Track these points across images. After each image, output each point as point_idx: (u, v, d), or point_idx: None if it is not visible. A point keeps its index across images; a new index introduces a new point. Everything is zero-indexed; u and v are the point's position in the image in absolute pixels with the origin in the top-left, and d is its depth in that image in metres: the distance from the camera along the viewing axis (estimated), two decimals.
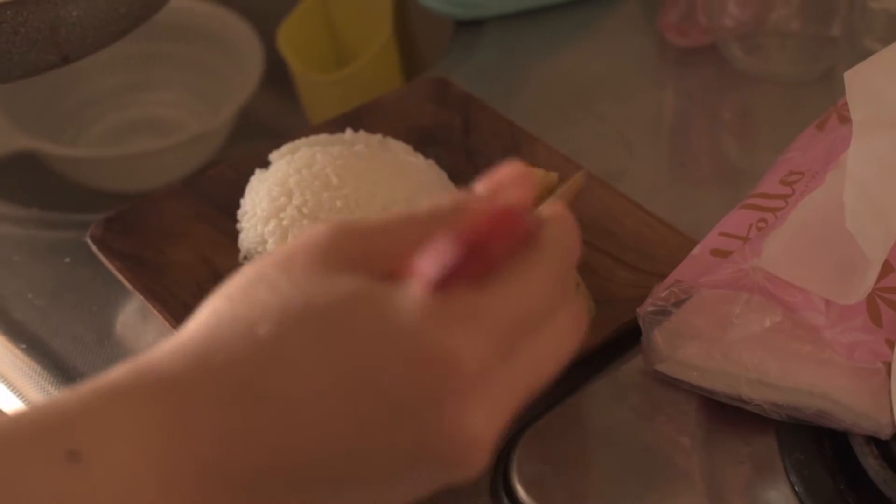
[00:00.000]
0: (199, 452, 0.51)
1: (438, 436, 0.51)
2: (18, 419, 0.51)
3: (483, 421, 0.51)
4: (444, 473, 0.52)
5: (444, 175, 1.00)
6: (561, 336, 0.55)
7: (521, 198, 0.58)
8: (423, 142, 1.04)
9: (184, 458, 0.51)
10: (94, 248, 0.96)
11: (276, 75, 1.36)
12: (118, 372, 0.52)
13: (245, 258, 0.96)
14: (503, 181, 0.58)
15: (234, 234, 0.98)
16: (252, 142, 1.35)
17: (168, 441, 0.51)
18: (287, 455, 0.51)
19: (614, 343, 0.88)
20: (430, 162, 1.00)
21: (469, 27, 1.26)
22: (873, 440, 0.79)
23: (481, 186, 0.59)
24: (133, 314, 0.97)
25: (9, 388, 0.93)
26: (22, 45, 0.84)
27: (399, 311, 0.51)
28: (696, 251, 0.86)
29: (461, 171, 1.03)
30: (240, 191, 0.99)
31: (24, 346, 0.95)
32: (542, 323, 0.54)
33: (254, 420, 0.51)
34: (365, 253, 0.54)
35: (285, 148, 1.00)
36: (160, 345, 0.54)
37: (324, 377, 0.51)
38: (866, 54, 0.94)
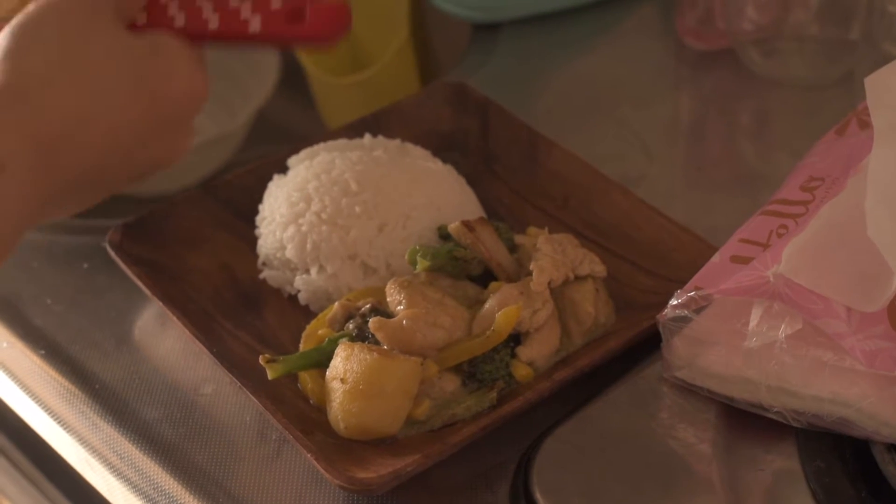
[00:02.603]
0: (42, 148, 0.70)
1: (173, 149, 0.79)
2: None
3: (190, 137, 0.81)
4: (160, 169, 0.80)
5: (462, 180, 1.00)
6: None
7: None
8: (442, 146, 1.04)
9: (28, 155, 0.69)
10: (112, 253, 0.96)
11: (293, 79, 1.36)
12: None
13: (264, 264, 0.96)
14: None
15: (252, 240, 0.98)
16: (269, 145, 1.35)
17: (22, 141, 0.69)
18: (105, 140, 0.73)
19: (634, 349, 0.88)
20: (449, 167, 1.00)
21: (486, 31, 1.26)
22: (894, 448, 0.79)
23: None
24: (151, 320, 0.97)
25: (28, 393, 0.94)
26: None
27: (181, 75, 0.77)
28: (716, 258, 0.86)
29: (479, 176, 1.03)
30: (258, 196, 0.99)
31: (42, 351, 0.95)
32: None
33: (80, 100, 0.72)
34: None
35: (304, 153, 1.00)
36: None
37: (123, 84, 0.74)
38: (885, 58, 0.95)
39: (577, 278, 0.90)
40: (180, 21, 0.79)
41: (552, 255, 0.89)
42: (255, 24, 0.78)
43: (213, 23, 0.78)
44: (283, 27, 0.78)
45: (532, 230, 0.94)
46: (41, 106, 0.70)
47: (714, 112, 1.18)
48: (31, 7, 0.73)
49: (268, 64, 1.35)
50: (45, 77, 0.71)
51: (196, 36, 0.79)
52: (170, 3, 0.80)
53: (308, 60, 1.33)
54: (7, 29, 0.73)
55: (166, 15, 0.79)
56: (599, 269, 0.91)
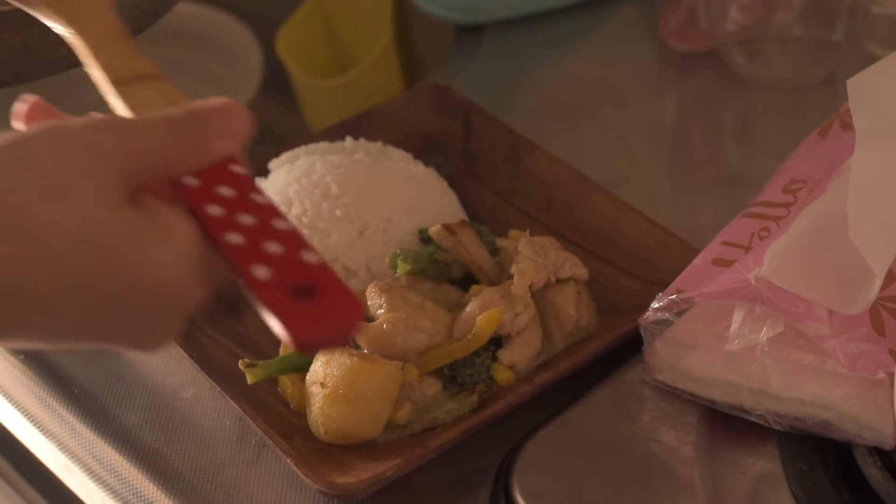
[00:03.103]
0: None
1: (140, 341, 0.62)
2: None
3: (173, 335, 0.63)
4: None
5: (444, 183, 0.99)
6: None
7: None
8: (424, 149, 1.04)
9: None
10: None
11: (276, 80, 1.36)
12: None
13: None
14: (227, 109, 0.63)
15: None
16: (252, 147, 1.34)
17: None
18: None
19: (615, 352, 0.87)
20: (431, 170, 1.00)
21: (469, 33, 1.25)
22: (876, 451, 0.79)
23: (209, 107, 0.63)
24: None
25: (6, 398, 0.93)
26: (52, 43, 0.86)
27: (165, 262, 0.59)
28: (697, 260, 0.86)
29: (462, 179, 1.02)
30: None
31: (21, 356, 0.95)
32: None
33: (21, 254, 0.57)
34: (138, 170, 0.60)
35: (284, 156, 0.99)
36: None
37: (90, 289, 0.58)
38: (868, 59, 0.94)
39: (559, 281, 0.90)
40: (216, 211, 0.60)
41: (533, 258, 0.89)
42: (262, 272, 0.58)
43: (236, 238, 0.59)
44: (283, 295, 0.57)
45: (513, 233, 0.93)
46: None
47: (697, 113, 1.17)
48: (21, 135, 0.60)
49: (251, 65, 1.35)
50: None
51: (216, 239, 0.60)
52: (213, 186, 0.61)
53: (291, 62, 1.32)
54: None
55: (205, 195, 0.61)
56: (581, 271, 0.91)
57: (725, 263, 0.84)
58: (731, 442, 0.83)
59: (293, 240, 0.59)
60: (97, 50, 0.68)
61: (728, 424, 0.83)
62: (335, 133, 1.04)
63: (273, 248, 0.58)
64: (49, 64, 0.92)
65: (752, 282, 0.80)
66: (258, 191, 0.61)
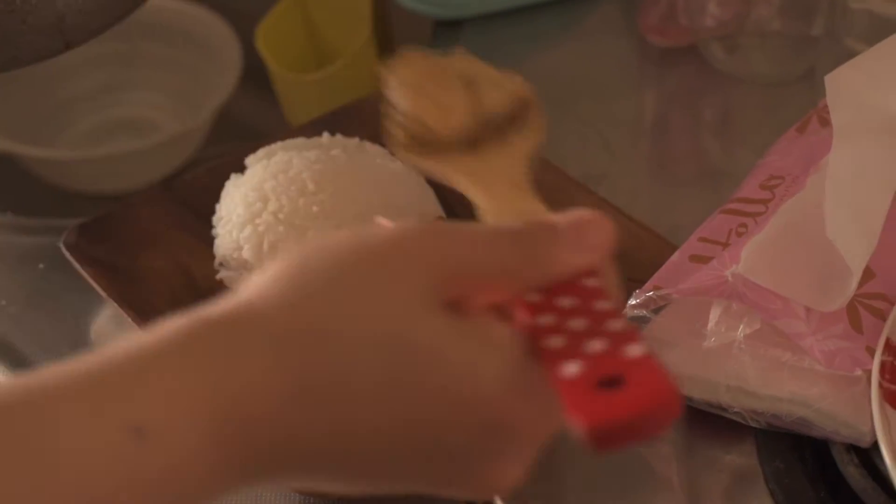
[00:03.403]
0: (251, 438, 0.51)
1: (477, 481, 0.55)
2: (70, 383, 0.52)
3: (519, 472, 0.56)
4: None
5: (421, 180, 0.99)
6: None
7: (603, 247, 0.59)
8: None
9: (233, 441, 0.51)
10: (67, 254, 0.95)
11: (255, 75, 1.35)
12: (162, 332, 0.53)
13: (221, 264, 0.96)
14: (584, 222, 0.59)
15: (210, 240, 0.97)
16: (231, 142, 1.34)
17: (217, 417, 0.51)
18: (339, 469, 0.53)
19: None
20: (408, 166, 0.99)
21: (448, 27, 1.25)
22: (854, 448, 0.79)
23: (563, 220, 0.59)
24: (108, 322, 0.96)
25: None
26: (29, 34, 0.86)
27: (485, 377, 0.53)
28: (675, 257, 0.86)
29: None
30: (216, 196, 0.98)
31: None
32: None
33: (314, 419, 0.52)
34: (452, 275, 0.55)
35: (261, 152, 0.99)
36: (216, 305, 0.54)
37: (396, 410, 0.52)
38: (847, 54, 0.94)
39: None
40: (547, 320, 0.55)
41: None
42: (572, 369, 0.52)
43: (556, 341, 0.54)
44: (585, 389, 0.52)
45: None
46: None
47: (677, 109, 1.17)
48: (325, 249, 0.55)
49: (230, 59, 1.34)
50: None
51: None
52: (554, 299, 0.56)
53: (270, 57, 1.32)
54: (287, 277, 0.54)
55: (541, 307, 0.56)
56: None
57: (703, 260, 0.84)
58: (708, 439, 0.83)
59: (623, 336, 0.54)
60: (490, 198, 0.65)
61: (705, 422, 0.83)
62: (312, 129, 1.04)
63: (595, 346, 0.53)
64: (25, 53, 0.91)
65: (730, 279, 0.80)
66: (605, 298, 0.56)
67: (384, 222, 0.58)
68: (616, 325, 0.54)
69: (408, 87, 0.73)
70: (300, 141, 1.00)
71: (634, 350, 0.53)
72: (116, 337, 0.94)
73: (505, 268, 0.56)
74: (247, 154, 1.00)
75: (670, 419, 0.51)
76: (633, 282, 0.88)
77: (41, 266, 1.01)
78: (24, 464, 0.49)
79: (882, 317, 0.81)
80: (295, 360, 0.52)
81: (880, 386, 0.77)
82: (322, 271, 0.54)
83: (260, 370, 0.52)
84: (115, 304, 0.91)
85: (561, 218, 0.58)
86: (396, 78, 0.74)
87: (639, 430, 0.51)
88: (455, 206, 1.00)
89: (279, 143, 0.99)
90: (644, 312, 0.83)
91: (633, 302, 0.83)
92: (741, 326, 0.80)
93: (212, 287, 0.96)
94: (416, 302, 0.53)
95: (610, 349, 0.53)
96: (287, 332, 0.52)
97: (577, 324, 0.54)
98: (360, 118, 1.06)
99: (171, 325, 0.53)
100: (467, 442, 0.53)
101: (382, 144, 1.01)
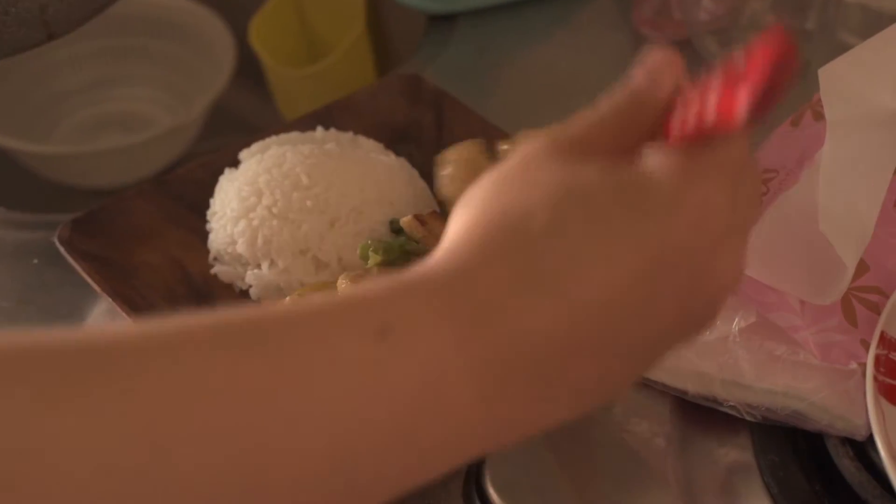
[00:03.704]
0: (492, 344, 0.52)
1: (709, 282, 0.56)
2: (327, 298, 0.52)
3: (737, 263, 0.57)
4: (702, 326, 0.58)
5: (415, 173, 0.99)
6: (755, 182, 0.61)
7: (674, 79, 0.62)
8: (395, 139, 1.03)
9: (478, 349, 0.51)
10: (61, 249, 0.94)
11: (249, 69, 1.36)
12: (405, 276, 0.54)
13: (215, 259, 0.95)
14: (658, 66, 0.63)
15: (204, 235, 0.97)
16: (225, 136, 1.34)
17: (461, 331, 0.51)
18: (573, 340, 0.53)
19: None
20: (402, 160, 0.99)
21: (442, 22, 1.25)
22: (848, 441, 0.79)
23: (640, 76, 0.63)
24: (102, 316, 0.96)
25: None
26: (12, 24, 0.85)
27: (654, 182, 0.54)
28: None
29: (433, 169, 1.02)
30: (210, 190, 0.98)
31: None
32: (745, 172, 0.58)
33: (541, 306, 0.52)
34: (585, 150, 0.57)
35: (255, 147, 0.99)
36: (432, 256, 0.55)
37: (603, 261, 0.53)
38: (841, 48, 0.94)
39: None
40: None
41: None
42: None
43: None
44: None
45: None
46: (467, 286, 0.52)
47: None
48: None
49: (224, 54, 1.35)
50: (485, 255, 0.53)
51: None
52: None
53: (263, 51, 1.32)
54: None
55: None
56: None
57: None
58: (703, 433, 0.83)
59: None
60: None
61: (700, 415, 0.83)
62: (306, 123, 1.04)
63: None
64: (7, 44, 0.91)
65: None
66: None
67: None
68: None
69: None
70: (294, 135, 1.00)
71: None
72: None
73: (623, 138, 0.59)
74: (240, 148, 1.00)
75: (793, 60, 0.54)
76: None
77: (35, 261, 1.01)
78: (280, 389, 0.49)
79: (876, 310, 0.81)
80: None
81: (875, 379, 0.77)
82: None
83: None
84: (110, 299, 0.91)
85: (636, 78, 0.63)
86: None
87: (777, 84, 0.54)
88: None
89: (273, 138, 0.99)
90: None
91: None
92: (736, 320, 0.80)
93: (206, 281, 0.96)
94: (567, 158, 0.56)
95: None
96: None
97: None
98: (355, 112, 1.06)
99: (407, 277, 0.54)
100: (677, 247, 0.54)
101: (376, 138, 1.01)
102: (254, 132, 1.02)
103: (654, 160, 0.55)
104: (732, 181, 0.56)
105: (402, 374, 0.50)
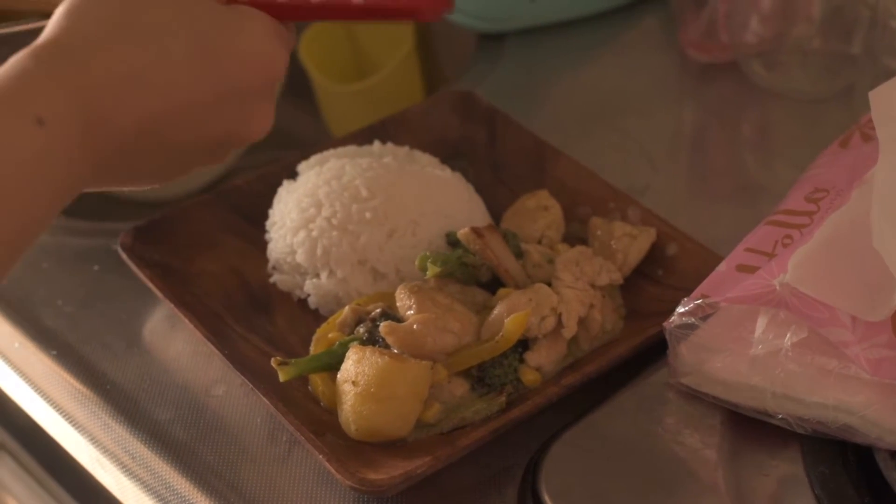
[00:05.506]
0: (97, 108, 0.67)
1: (250, 120, 0.76)
2: None
3: (270, 112, 0.78)
4: (228, 152, 0.77)
5: (470, 188, 1.01)
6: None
7: None
8: (449, 154, 1.05)
9: (72, 112, 0.66)
10: (124, 256, 0.96)
11: (297, 85, 1.37)
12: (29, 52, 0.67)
13: (273, 268, 0.97)
14: None
15: (261, 245, 0.99)
16: (271, 150, 1.36)
17: (75, 101, 0.66)
18: (160, 101, 0.70)
19: (640, 356, 0.89)
20: (457, 175, 1.01)
21: (492, 41, 1.27)
22: None
23: None
24: (161, 322, 0.98)
25: (39, 394, 0.94)
26: None
27: (247, 30, 0.74)
28: (722, 266, 0.87)
29: (487, 184, 1.04)
30: (267, 201, 1.00)
31: (54, 352, 0.96)
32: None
33: (133, 58, 0.69)
34: None
35: (314, 159, 1.01)
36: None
37: (187, 48, 0.71)
38: (885, 72, 0.96)
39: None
40: None
41: (573, 285, 0.90)
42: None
43: None
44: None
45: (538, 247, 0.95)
46: (85, 62, 0.67)
47: (717, 123, 1.19)
48: None
49: None
50: (95, 35, 0.69)
51: (300, 10, 0.77)
52: None
53: (313, 67, 1.34)
54: None
55: None
56: (616, 276, 0.92)
57: (749, 270, 0.85)
58: (754, 445, 0.84)
59: None
60: None
61: (751, 428, 0.84)
62: (362, 137, 1.06)
63: None
64: None
65: (777, 288, 0.82)
66: None
67: None
68: None
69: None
70: (351, 148, 1.02)
71: None
72: (170, 337, 0.96)
73: None
74: (297, 161, 1.02)
75: None
76: (679, 290, 0.89)
77: (96, 268, 1.03)
78: None
79: None
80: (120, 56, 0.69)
81: None
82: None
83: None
84: (171, 305, 0.93)
85: None
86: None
87: None
88: (503, 214, 1.02)
89: (331, 151, 1.01)
90: (692, 320, 0.84)
91: (682, 310, 0.85)
92: (788, 334, 0.82)
93: (264, 289, 0.98)
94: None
95: None
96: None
97: None
98: (408, 128, 1.08)
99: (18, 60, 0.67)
100: (248, 88, 0.74)
101: (430, 153, 1.03)
102: (300, 146, 1.04)
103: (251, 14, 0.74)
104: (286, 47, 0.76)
105: (51, 155, 0.65)
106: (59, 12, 0.70)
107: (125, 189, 0.75)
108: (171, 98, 0.71)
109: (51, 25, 0.69)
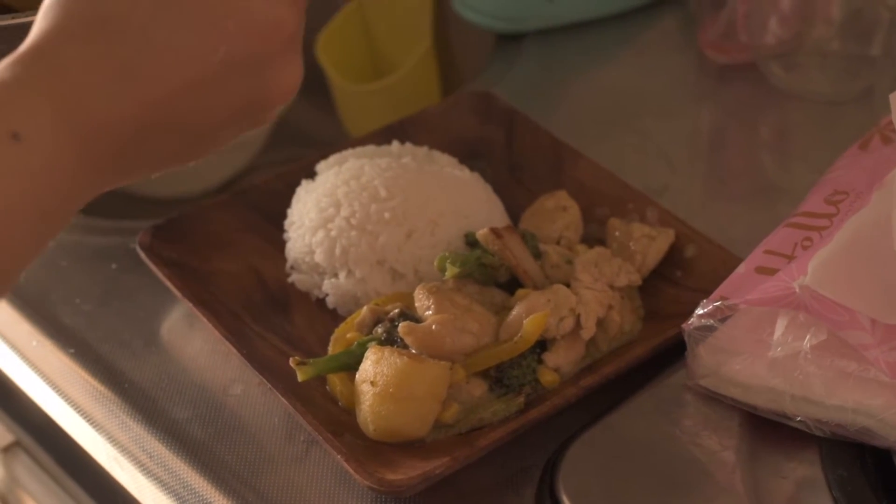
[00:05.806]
0: (85, 112, 0.64)
1: (271, 87, 0.70)
2: None
3: (296, 72, 0.71)
4: (262, 118, 0.72)
5: (489, 188, 1.01)
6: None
7: None
8: (467, 155, 1.05)
9: (59, 122, 0.63)
10: (142, 255, 0.97)
11: (314, 84, 1.37)
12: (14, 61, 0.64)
13: (292, 268, 0.98)
14: None
15: (280, 244, 0.99)
16: (287, 149, 1.36)
17: (58, 109, 0.63)
18: (153, 90, 0.66)
19: (658, 358, 0.89)
20: (476, 175, 1.01)
21: (510, 41, 1.27)
22: None
23: None
24: (179, 321, 0.98)
25: (57, 392, 0.95)
26: None
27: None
28: (741, 268, 0.87)
29: (505, 185, 1.04)
30: (286, 201, 1.00)
31: (72, 350, 0.96)
32: None
33: (113, 53, 0.65)
34: None
35: (332, 159, 1.01)
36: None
37: (185, 57, 0.66)
38: None
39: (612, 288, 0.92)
40: None
41: (592, 286, 0.90)
42: None
43: None
44: None
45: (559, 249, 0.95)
46: (64, 67, 0.64)
47: (735, 125, 1.19)
48: None
49: None
50: (72, 32, 0.65)
51: None
52: None
53: (330, 67, 1.34)
54: None
55: None
56: (635, 277, 0.92)
57: (769, 272, 0.85)
58: (772, 447, 0.84)
59: None
60: None
61: (769, 430, 0.84)
62: (381, 137, 1.06)
63: None
64: None
65: (797, 290, 0.81)
66: None
67: None
68: None
69: None
70: (370, 149, 1.02)
71: None
72: (189, 336, 0.97)
73: None
74: (315, 161, 1.02)
75: None
76: (696, 292, 0.90)
77: (114, 266, 1.03)
78: None
79: None
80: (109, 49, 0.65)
81: None
82: None
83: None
84: (189, 304, 0.93)
85: None
86: None
87: None
88: (521, 215, 1.02)
89: (350, 151, 1.01)
90: (711, 322, 0.84)
91: (701, 311, 0.85)
92: (807, 337, 0.82)
93: (282, 289, 0.98)
94: None
95: None
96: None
97: None
98: (428, 127, 1.08)
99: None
100: (267, 53, 0.68)
101: (449, 153, 1.03)
102: (317, 145, 1.04)
103: None
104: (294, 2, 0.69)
105: (29, 167, 0.62)
106: (40, 10, 0.67)
107: (153, 176, 0.71)
108: (165, 84, 0.66)
109: (34, 27, 0.66)
